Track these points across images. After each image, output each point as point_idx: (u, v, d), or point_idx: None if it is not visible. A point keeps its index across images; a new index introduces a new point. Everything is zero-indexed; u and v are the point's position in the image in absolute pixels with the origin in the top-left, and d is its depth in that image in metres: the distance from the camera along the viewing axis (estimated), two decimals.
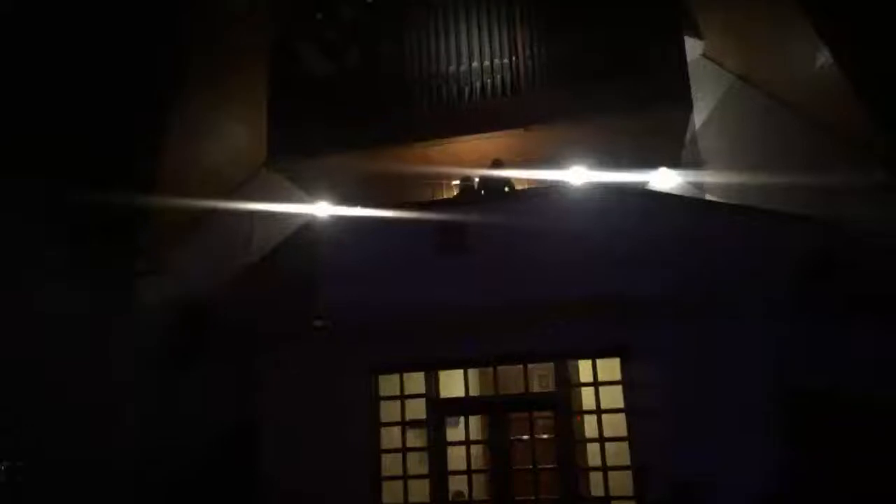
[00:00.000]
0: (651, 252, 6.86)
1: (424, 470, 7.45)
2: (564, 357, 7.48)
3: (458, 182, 9.21)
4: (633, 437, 6.95)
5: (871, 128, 7.12)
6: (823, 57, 7.40)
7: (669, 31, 8.43)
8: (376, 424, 7.66)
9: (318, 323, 7.23)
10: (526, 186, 8.85)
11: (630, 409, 7.06)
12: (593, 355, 7.33)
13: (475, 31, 9.16)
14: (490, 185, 8.52)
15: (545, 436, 7.51)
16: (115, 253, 8.80)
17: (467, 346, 7.45)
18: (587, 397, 7.51)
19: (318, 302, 7.28)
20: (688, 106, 8.31)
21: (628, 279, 6.75)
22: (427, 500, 7.34)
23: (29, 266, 7.88)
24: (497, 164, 8.60)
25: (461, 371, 7.75)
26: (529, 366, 7.64)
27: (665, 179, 9.72)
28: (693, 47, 9.53)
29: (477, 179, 8.75)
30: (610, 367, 7.33)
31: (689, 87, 8.22)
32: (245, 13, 4.55)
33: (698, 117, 9.66)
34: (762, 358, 6.68)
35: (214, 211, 10.21)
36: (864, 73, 7.09)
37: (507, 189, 8.45)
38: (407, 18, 8.92)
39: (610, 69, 8.43)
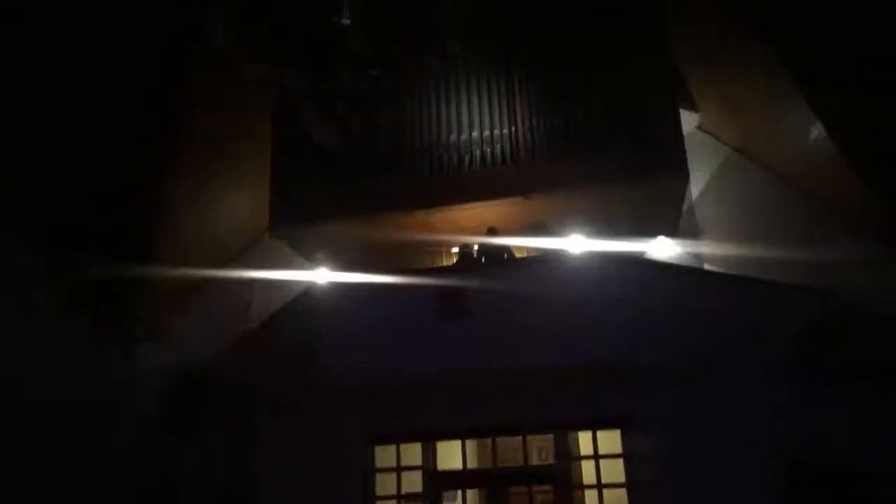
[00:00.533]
0: (650, 321, 6.86)
1: None
2: (564, 428, 7.37)
3: (457, 249, 9.26)
4: None
5: (864, 200, 7.20)
6: (817, 130, 7.55)
7: (666, 104, 8.60)
8: (372, 498, 7.48)
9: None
10: (525, 254, 8.89)
11: (631, 484, 6.90)
12: (594, 426, 7.22)
13: (475, 102, 9.35)
14: (489, 252, 8.57)
15: None
16: (114, 320, 8.79)
17: (466, 416, 7.34)
18: (587, 470, 7.35)
19: (317, 368, 7.22)
20: (685, 177, 8.41)
21: (628, 347, 6.73)
22: None
23: (30, 334, 7.84)
24: (493, 232, 8.66)
25: (459, 442, 7.62)
26: (529, 437, 7.51)
27: (663, 249, 9.78)
28: (689, 120, 9.74)
29: (476, 247, 8.80)
30: (610, 439, 7.20)
31: (685, 159, 8.34)
32: (248, 82, 4.66)
33: (695, 188, 9.78)
34: (761, 427, 6.60)
35: (215, 277, 10.26)
36: (857, 146, 7.22)
37: (506, 256, 8.49)
38: (409, 88, 9.14)
39: (607, 140, 8.58)
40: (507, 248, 8.54)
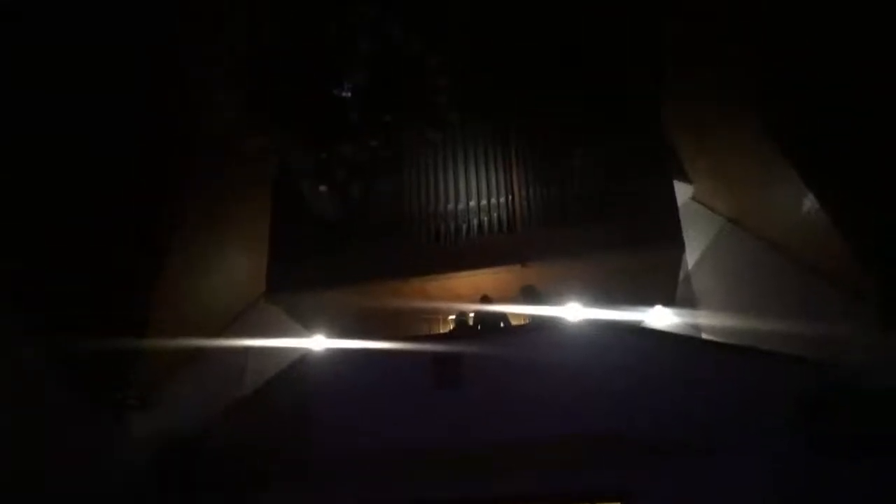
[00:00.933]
0: (648, 390, 6.80)
1: None
2: (562, 500, 7.21)
3: (453, 317, 9.26)
4: None
5: (858, 271, 7.25)
6: (809, 202, 7.66)
7: (660, 175, 8.74)
8: None
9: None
10: (522, 322, 8.89)
11: None
12: (592, 498, 7.07)
13: (472, 171, 9.49)
14: (485, 320, 8.56)
15: None
16: (107, 386, 8.71)
17: (461, 486, 7.19)
18: None
19: (311, 436, 7.12)
20: (680, 246, 8.48)
21: (627, 418, 6.66)
22: None
23: (19, 398, 7.76)
24: (486, 300, 8.66)
25: None
26: None
27: (661, 318, 9.78)
28: (684, 191, 9.88)
29: (472, 314, 8.80)
30: None
31: (680, 229, 8.42)
32: (249, 153, 4.77)
33: (691, 257, 9.85)
34: (763, 499, 6.46)
35: (210, 344, 10.22)
36: (850, 218, 7.30)
37: (502, 324, 8.48)
38: (407, 158, 9.30)
39: (603, 210, 8.68)
40: (503, 316, 8.53)
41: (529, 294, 8.59)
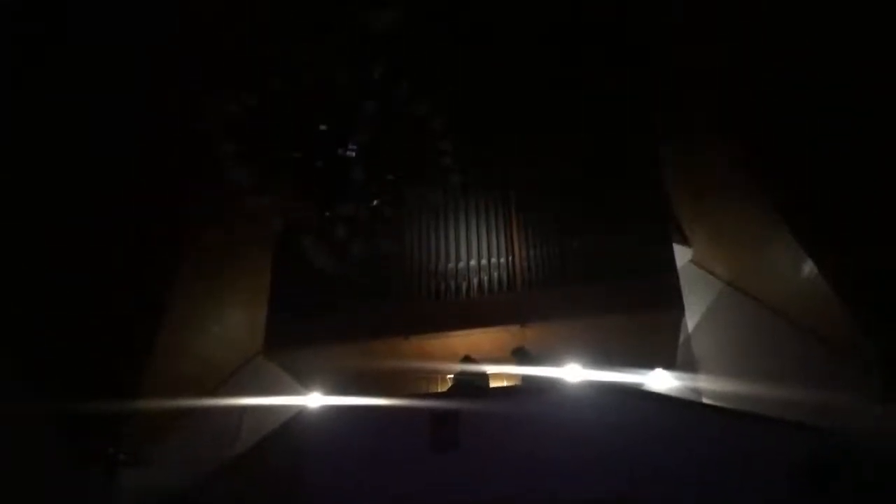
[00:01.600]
0: (647, 454, 6.72)
1: None
2: None
3: (451, 376, 9.18)
4: None
5: (858, 336, 7.24)
6: (808, 267, 7.70)
7: (660, 238, 8.81)
8: None
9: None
10: (511, 383, 8.83)
11: None
12: None
13: (473, 231, 9.56)
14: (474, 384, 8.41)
15: None
16: (97, 443, 8.60)
17: None
18: None
19: (305, 496, 6.99)
20: (679, 310, 8.48)
21: (625, 481, 6.55)
22: None
23: (7, 454, 7.66)
24: (468, 360, 8.55)
25: None
26: None
27: (661, 381, 9.71)
28: (682, 254, 9.94)
29: (452, 377, 8.68)
30: None
31: (679, 292, 8.44)
32: (249, 208, 4.83)
33: (691, 320, 9.85)
34: None
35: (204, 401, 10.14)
36: (849, 284, 7.32)
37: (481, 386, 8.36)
38: (409, 217, 9.37)
39: (603, 271, 8.71)
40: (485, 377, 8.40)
41: (521, 356, 8.52)
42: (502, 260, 9.26)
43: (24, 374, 8.10)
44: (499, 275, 9.16)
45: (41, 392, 8.06)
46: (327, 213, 5.05)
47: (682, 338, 9.70)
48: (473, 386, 8.16)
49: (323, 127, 4.61)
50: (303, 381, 10.25)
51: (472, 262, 9.33)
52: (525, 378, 8.28)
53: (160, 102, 7.68)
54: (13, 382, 8.01)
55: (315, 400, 9.17)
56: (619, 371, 8.80)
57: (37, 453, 8.08)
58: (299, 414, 8.18)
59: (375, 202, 5.13)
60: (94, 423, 8.54)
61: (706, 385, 9.64)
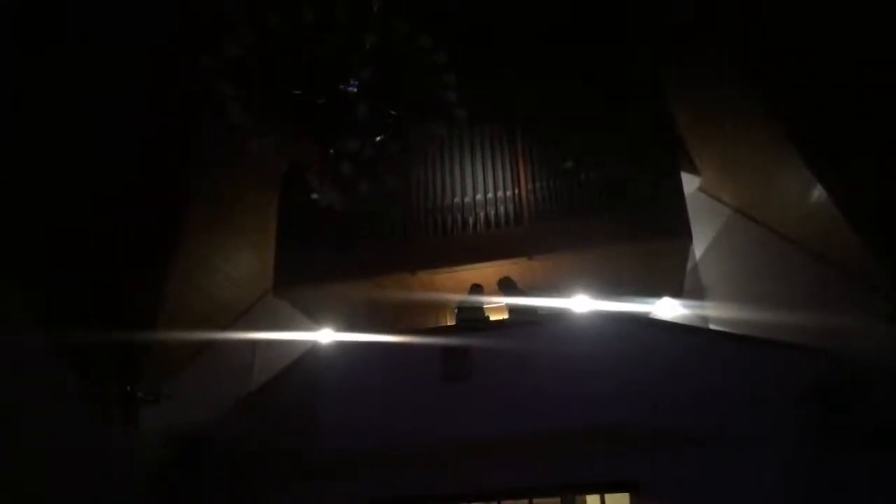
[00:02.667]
0: (656, 382, 6.81)
1: None
2: (572, 491, 7.25)
3: (456, 308, 9.23)
4: None
5: (868, 260, 7.23)
6: (817, 192, 7.63)
7: (666, 166, 8.73)
8: None
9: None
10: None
11: None
12: (601, 490, 7.10)
13: (479, 165, 9.51)
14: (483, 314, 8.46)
15: None
16: (116, 381, 8.77)
17: (471, 479, 7.23)
18: None
19: (319, 430, 7.14)
20: (687, 238, 8.47)
21: (636, 409, 6.65)
22: None
23: (26, 393, 7.82)
24: (477, 288, 8.62)
25: None
26: (535, 500, 7.38)
27: (668, 309, 9.77)
28: (690, 182, 9.86)
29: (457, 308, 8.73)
30: (620, 502, 7.08)
31: (687, 220, 8.41)
32: (254, 148, 4.78)
33: (698, 248, 9.84)
34: (775, 490, 6.47)
35: (217, 338, 10.27)
36: (858, 206, 7.27)
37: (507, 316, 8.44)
38: (415, 152, 9.28)
39: (610, 201, 8.68)
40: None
41: (506, 286, 8.54)
42: (509, 193, 9.22)
43: (39, 313, 8.22)
44: (505, 208, 9.14)
45: (58, 330, 8.19)
46: (331, 151, 4.99)
47: (689, 265, 9.71)
48: (478, 318, 8.22)
49: (324, 64, 4.52)
50: (313, 318, 10.37)
51: (479, 197, 9.30)
52: (523, 310, 8.25)
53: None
54: (29, 322, 8.13)
55: (326, 336, 9.28)
56: (627, 300, 8.86)
57: (57, 394, 8.26)
58: (311, 350, 8.29)
59: (379, 138, 5.05)
60: (112, 363, 8.71)
61: (714, 312, 9.69)
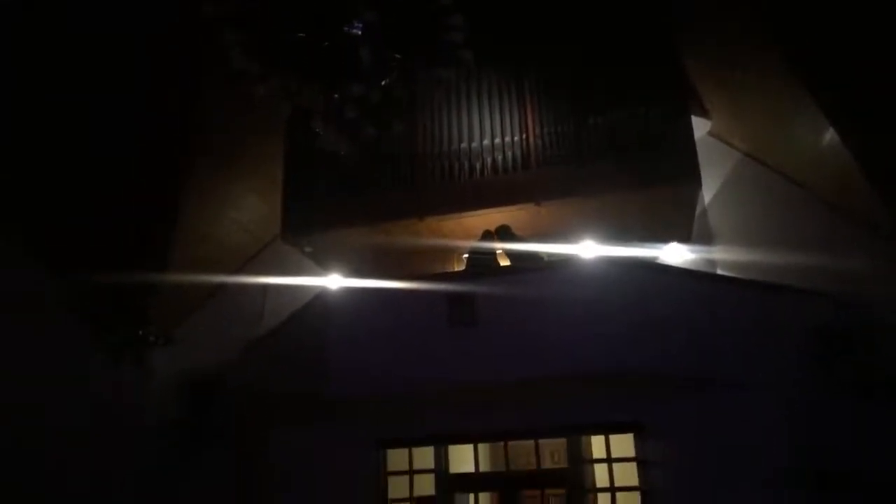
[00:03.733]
0: (663, 326, 6.83)
1: None
2: (577, 432, 7.38)
3: (467, 255, 9.26)
4: None
5: (878, 205, 7.17)
6: (829, 135, 7.53)
7: (677, 111, 8.59)
8: (384, 501, 7.52)
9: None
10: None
11: (644, 488, 6.91)
12: (606, 431, 7.23)
13: (486, 110, 9.39)
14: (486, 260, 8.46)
15: None
16: (126, 324, 8.89)
17: (478, 420, 7.38)
18: (601, 474, 7.35)
19: (328, 373, 7.25)
20: (696, 182, 8.39)
21: (642, 353, 6.69)
22: None
23: (38, 337, 7.96)
24: (488, 235, 8.59)
25: (471, 446, 7.65)
26: (541, 441, 7.52)
27: (677, 254, 9.76)
28: (700, 126, 9.73)
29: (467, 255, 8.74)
30: (624, 443, 7.21)
31: (697, 164, 8.32)
32: (259, 93, 4.72)
33: (707, 193, 9.76)
34: (779, 434, 6.56)
35: (226, 282, 10.37)
36: (870, 150, 7.18)
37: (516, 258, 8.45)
38: (420, 97, 9.17)
39: (618, 147, 8.58)
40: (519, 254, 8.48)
41: (503, 234, 8.52)
42: (516, 138, 9.13)
43: (48, 259, 8.31)
44: (513, 153, 9.06)
45: (69, 274, 8.29)
46: (336, 95, 4.93)
47: (698, 211, 9.66)
48: (488, 263, 8.25)
49: (327, 6, 4.43)
50: (321, 264, 10.42)
51: (486, 142, 9.22)
52: (524, 257, 8.25)
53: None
54: (38, 268, 8.22)
55: (334, 281, 9.35)
56: (635, 246, 8.84)
57: (68, 338, 8.38)
58: (319, 295, 8.37)
59: (385, 82, 4.98)
60: (123, 307, 8.82)
61: (722, 256, 9.68)
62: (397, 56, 4.81)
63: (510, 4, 9.29)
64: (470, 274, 7.98)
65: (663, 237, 9.47)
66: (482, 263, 8.15)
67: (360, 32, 4.51)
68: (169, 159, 9.00)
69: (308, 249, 9.21)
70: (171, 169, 9.09)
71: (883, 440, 6.33)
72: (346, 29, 4.53)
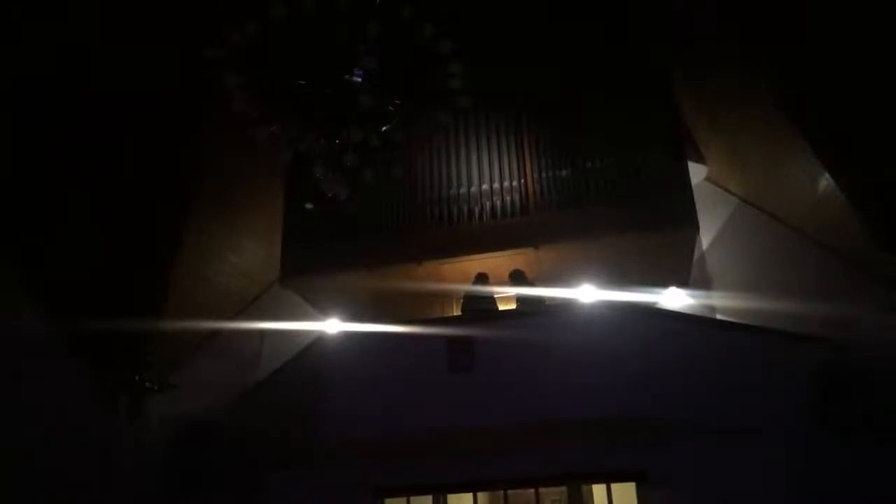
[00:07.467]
0: (663, 372, 6.79)
1: None
2: (578, 480, 7.27)
3: (462, 299, 9.23)
4: None
5: (874, 250, 7.20)
6: (825, 181, 7.60)
7: (673, 156, 8.69)
8: None
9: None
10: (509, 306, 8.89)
11: None
12: (608, 479, 7.12)
13: (485, 154, 9.49)
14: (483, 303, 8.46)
15: None
16: (124, 369, 8.83)
17: (477, 468, 7.27)
18: None
19: (326, 419, 7.18)
20: (693, 228, 8.44)
21: (643, 399, 6.64)
22: None
23: (35, 382, 7.89)
24: (481, 278, 8.60)
25: (470, 495, 7.52)
26: (542, 489, 7.41)
27: (675, 299, 9.76)
28: (697, 171, 9.82)
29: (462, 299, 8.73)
30: (625, 492, 7.10)
31: (694, 210, 8.38)
32: (259, 138, 4.79)
33: (705, 238, 9.82)
34: (778, 479, 6.48)
35: (225, 327, 10.34)
36: (866, 197, 7.25)
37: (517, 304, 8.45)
38: (420, 142, 9.26)
39: (616, 192, 8.65)
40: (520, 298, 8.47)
41: (517, 278, 8.53)
42: (514, 183, 9.20)
43: (46, 303, 8.27)
44: (511, 198, 9.13)
45: (66, 319, 8.25)
46: (336, 141, 5.00)
47: (696, 255, 9.69)
48: (484, 308, 8.23)
49: (328, 54, 4.52)
50: (320, 308, 10.41)
51: (485, 187, 9.29)
52: (533, 301, 8.26)
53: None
54: (41, 314, 8.19)
55: (333, 326, 9.32)
56: (634, 290, 8.84)
57: (65, 384, 8.31)
58: (318, 340, 8.33)
59: (384, 128, 5.05)
60: (119, 352, 8.77)
61: (720, 302, 9.68)
62: (397, 102, 4.89)
63: (508, 50, 9.44)
64: (468, 318, 7.94)
65: (662, 282, 9.49)
66: (477, 307, 8.14)
67: (360, 80, 4.59)
68: (169, 204, 9.04)
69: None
70: (170, 213, 9.13)
71: (882, 484, 6.25)
72: (346, 76, 4.62)
